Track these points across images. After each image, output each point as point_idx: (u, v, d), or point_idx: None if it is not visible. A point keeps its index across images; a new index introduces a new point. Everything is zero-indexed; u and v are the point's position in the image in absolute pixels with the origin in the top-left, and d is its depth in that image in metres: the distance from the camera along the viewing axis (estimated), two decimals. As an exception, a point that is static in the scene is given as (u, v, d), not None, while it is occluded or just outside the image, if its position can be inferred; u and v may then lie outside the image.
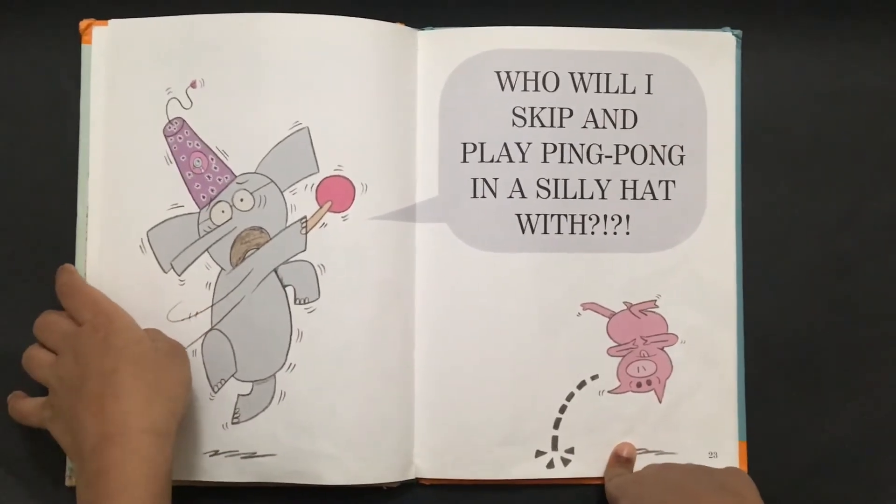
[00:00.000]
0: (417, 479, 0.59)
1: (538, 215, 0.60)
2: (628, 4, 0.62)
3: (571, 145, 0.61)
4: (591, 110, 0.61)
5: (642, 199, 0.61)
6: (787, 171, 0.62)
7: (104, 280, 0.57)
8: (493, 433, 0.59)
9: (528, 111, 0.60)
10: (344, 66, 0.58)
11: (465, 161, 0.60)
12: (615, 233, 0.61)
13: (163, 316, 0.57)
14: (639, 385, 0.60)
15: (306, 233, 0.58)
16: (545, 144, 0.60)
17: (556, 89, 0.61)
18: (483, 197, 0.60)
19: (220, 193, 0.58)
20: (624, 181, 0.61)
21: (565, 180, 0.61)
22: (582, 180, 0.61)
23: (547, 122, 0.60)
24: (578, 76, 0.61)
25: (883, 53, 0.63)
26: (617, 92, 0.61)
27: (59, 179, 0.59)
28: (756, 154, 0.62)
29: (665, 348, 0.61)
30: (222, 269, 0.58)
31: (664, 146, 0.61)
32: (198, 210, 0.58)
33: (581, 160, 0.61)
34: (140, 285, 0.57)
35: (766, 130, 0.62)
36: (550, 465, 0.60)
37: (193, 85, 0.58)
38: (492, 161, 0.60)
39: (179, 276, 0.58)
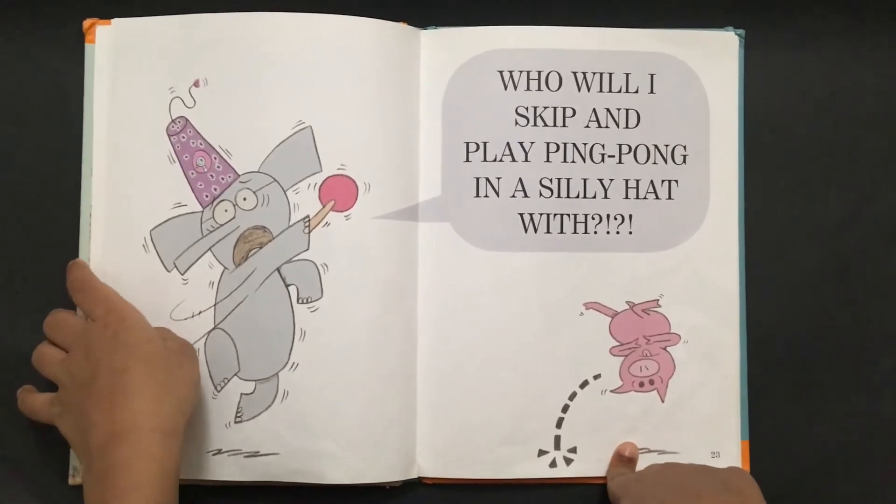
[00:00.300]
0: (420, 479, 0.60)
1: (541, 215, 0.60)
2: (631, 4, 0.62)
3: (574, 145, 0.61)
4: (594, 110, 0.61)
5: (645, 198, 0.61)
6: (790, 170, 0.62)
7: (107, 279, 0.57)
8: (496, 432, 0.59)
9: (531, 111, 0.60)
10: (347, 66, 0.58)
11: (467, 160, 0.60)
12: (618, 232, 0.61)
13: (166, 315, 0.57)
14: (641, 385, 0.60)
15: (309, 232, 0.58)
16: (548, 144, 0.60)
17: (558, 89, 0.61)
18: (486, 196, 0.60)
19: (224, 192, 0.58)
20: (627, 181, 0.61)
21: (568, 180, 0.61)
22: (585, 180, 0.61)
23: (550, 121, 0.60)
24: (581, 76, 0.61)
25: (883, 53, 0.63)
26: (620, 91, 0.61)
27: (62, 178, 0.59)
28: (758, 153, 0.62)
29: (667, 348, 0.61)
30: (225, 268, 0.58)
31: (667, 146, 0.61)
32: (201, 209, 0.58)
33: (584, 160, 0.61)
34: (143, 284, 0.57)
35: (769, 130, 0.62)
36: (553, 464, 0.60)
37: (196, 84, 0.58)
38: (495, 160, 0.60)
39: (182, 275, 0.58)
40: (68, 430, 0.52)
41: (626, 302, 0.61)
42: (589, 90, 0.61)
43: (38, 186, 0.60)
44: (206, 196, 0.58)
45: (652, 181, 0.61)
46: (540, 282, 0.60)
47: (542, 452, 0.60)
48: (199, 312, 0.58)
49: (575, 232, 0.60)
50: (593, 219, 0.60)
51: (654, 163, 0.61)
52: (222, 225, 0.58)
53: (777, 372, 0.62)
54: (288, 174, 0.58)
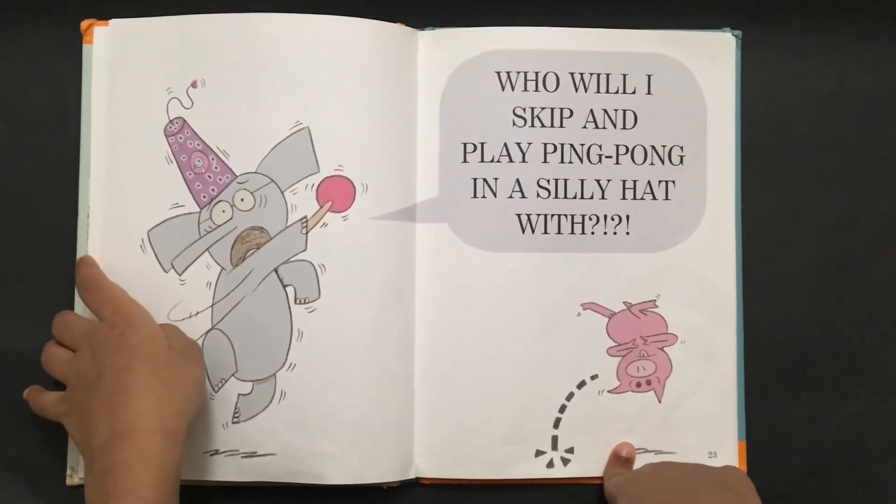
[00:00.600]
0: (418, 479, 0.60)
1: (538, 215, 0.60)
2: (629, 5, 0.62)
3: (571, 145, 0.61)
4: (592, 110, 0.61)
5: (642, 199, 0.61)
6: (787, 171, 0.63)
7: (105, 279, 0.57)
8: (493, 433, 0.59)
9: (529, 111, 0.60)
10: (344, 66, 0.58)
11: (465, 161, 0.60)
12: (615, 233, 0.61)
13: (163, 315, 0.57)
14: (638, 385, 0.61)
15: (307, 233, 0.58)
16: (545, 144, 0.60)
17: (556, 89, 0.61)
18: (483, 197, 0.60)
19: (221, 193, 0.58)
20: (624, 181, 0.61)
21: (565, 180, 0.61)
22: (582, 180, 0.61)
23: (547, 122, 0.61)
24: (579, 76, 0.61)
25: (882, 54, 0.63)
26: (617, 92, 0.61)
27: (59, 179, 0.59)
28: (756, 154, 0.62)
29: (665, 348, 0.61)
30: (223, 268, 0.58)
31: (664, 146, 0.61)
32: (198, 210, 0.58)
33: (581, 160, 0.61)
34: (141, 285, 0.57)
35: (766, 131, 0.62)
36: (550, 464, 0.60)
37: (194, 85, 0.58)
38: (492, 161, 0.60)
39: (180, 275, 0.58)
40: (73, 428, 0.52)
41: (624, 302, 0.61)
42: (586, 91, 0.61)
43: (37, 187, 0.60)
44: (204, 197, 0.58)
45: (649, 182, 0.61)
46: (537, 282, 0.60)
47: (539, 453, 0.60)
48: (197, 313, 0.58)
49: (572, 232, 0.60)
50: (590, 219, 0.61)
51: (652, 163, 0.61)
52: (220, 225, 0.58)
53: (774, 372, 0.62)
54: (285, 175, 0.58)
